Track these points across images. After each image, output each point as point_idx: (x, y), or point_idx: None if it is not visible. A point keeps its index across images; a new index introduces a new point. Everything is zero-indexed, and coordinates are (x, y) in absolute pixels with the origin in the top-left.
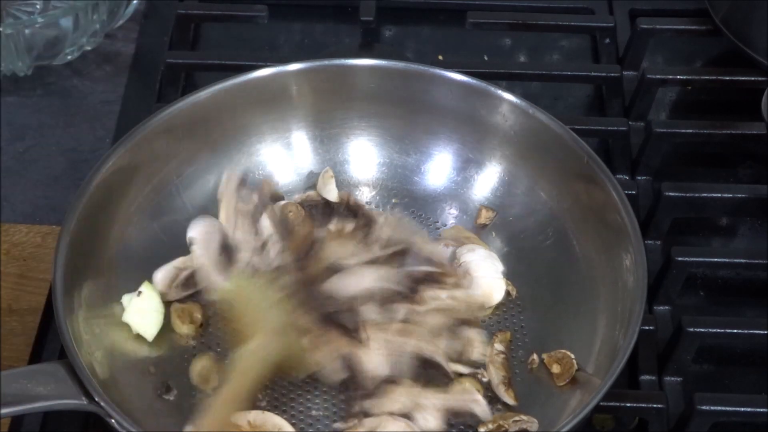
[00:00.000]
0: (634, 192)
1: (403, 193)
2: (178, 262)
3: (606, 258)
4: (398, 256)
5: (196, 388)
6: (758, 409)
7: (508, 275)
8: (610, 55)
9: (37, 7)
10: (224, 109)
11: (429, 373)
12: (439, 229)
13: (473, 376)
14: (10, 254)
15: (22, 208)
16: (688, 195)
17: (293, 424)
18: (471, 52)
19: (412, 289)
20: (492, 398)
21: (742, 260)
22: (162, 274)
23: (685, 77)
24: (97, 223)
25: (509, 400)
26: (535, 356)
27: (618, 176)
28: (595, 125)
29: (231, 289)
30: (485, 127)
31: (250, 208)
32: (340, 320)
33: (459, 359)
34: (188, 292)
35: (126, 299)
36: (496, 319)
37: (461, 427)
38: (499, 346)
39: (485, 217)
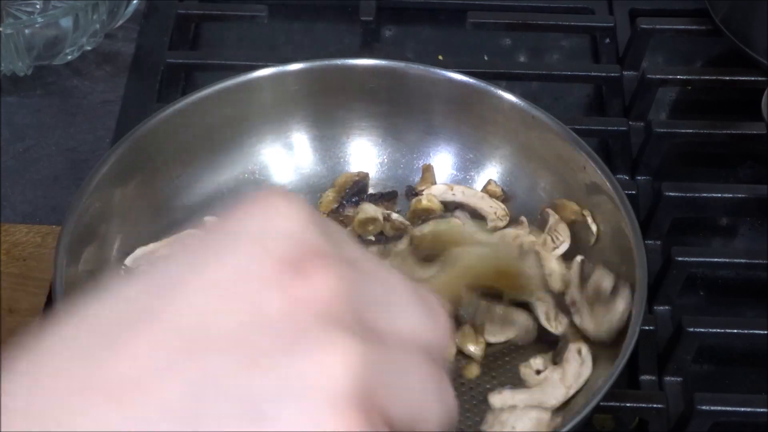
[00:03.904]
0: (634, 192)
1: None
2: None
3: (606, 258)
4: None
5: None
6: (758, 409)
7: None
8: (610, 55)
9: (37, 7)
10: (224, 108)
11: None
12: None
13: None
14: (10, 254)
15: (22, 208)
16: (688, 195)
17: None
18: (471, 52)
19: None
20: None
21: (742, 260)
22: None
23: (685, 77)
24: (97, 223)
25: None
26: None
27: (618, 176)
28: (595, 125)
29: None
30: (485, 127)
31: None
32: None
33: None
34: None
35: None
36: None
37: None
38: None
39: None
